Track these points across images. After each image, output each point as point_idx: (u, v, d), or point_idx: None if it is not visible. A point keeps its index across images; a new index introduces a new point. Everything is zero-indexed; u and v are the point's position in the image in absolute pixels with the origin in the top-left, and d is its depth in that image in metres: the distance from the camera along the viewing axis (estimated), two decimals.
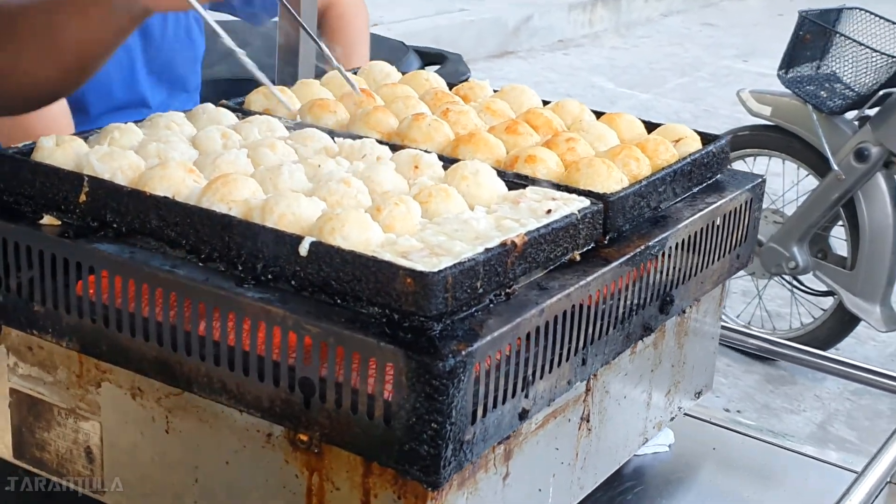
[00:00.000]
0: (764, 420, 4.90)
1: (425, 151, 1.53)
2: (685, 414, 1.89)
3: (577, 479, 1.51)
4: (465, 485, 1.29)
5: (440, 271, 1.20)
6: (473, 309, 1.26)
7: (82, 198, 1.39)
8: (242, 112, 1.72)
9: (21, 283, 1.41)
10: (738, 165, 5.34)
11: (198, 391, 1.32)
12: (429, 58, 3.88)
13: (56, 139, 1.46)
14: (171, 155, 1.44)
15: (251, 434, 1.33)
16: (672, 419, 1.74)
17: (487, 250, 1.27)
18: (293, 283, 1.27)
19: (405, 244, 1.28)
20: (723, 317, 5.20)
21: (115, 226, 1.38)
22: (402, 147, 1.57)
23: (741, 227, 1.70)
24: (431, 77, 1.87)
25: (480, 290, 1.26)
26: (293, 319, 1.23)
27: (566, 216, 1.38)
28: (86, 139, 1.54)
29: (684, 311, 1.66)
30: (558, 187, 1.48)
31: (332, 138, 1.59)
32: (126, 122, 1.55)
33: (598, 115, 1.79)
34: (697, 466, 1.81)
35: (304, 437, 1.28)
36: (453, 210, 1.39)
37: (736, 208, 1.67)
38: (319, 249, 1.25)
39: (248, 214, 1.33)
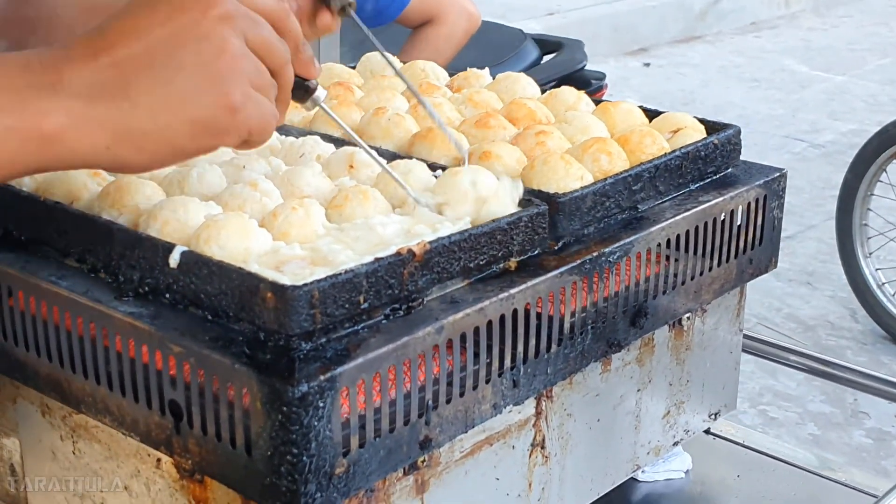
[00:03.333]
0: None
1: (375, 148, 1.39)
2: (710, 434, 1.70)
3: None
4: None
5: (304, 285, 1.07)
6: (359, 326, 1.12)
7: None
8: None
9: None
10: None
11: (86, 411, 1.23)
12: (547, 46, 3.71)
13: None
14: None
15: (143, 458, 1.23)
16: (676, 443, 1.55)
17: (377, 260, 1.13)
18: (168, 296, 1.17)
19: (287, 253, 1.15)
20: None
21: (14, 233, 1.30)
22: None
23: (751, 228, 1.50)
24: (428, 67, 1.73)
25: (366, 305, 1.12)
26: (158, 337, 1.12)
27: (491, 221, 1.23)
28: None
29: (680, 323, 1.48)
30: None
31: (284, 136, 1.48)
32: None
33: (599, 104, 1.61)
34: (716, 496, 1.61)
35: (186, 465, 1.18)
36: (371, 213, 1.25)
37: (743, 206, 1.48)
38: (189, 260, 1.14)
39: (137, 222, 1.23)
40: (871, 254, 5.01)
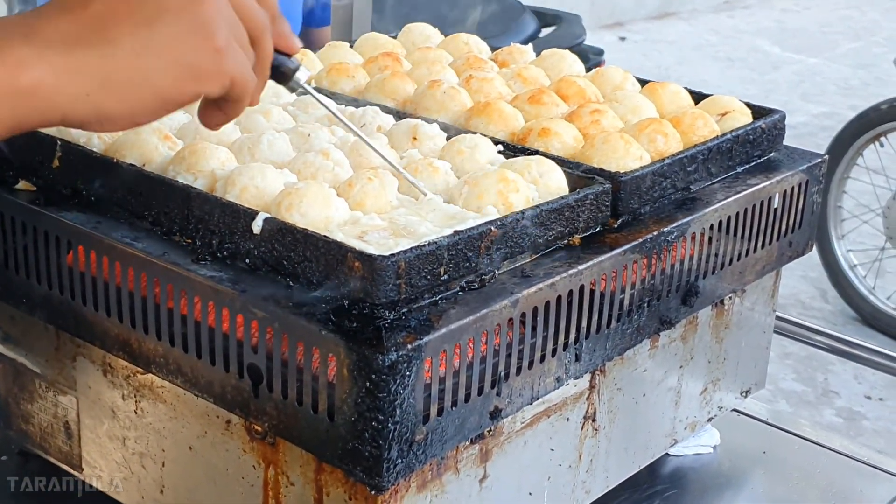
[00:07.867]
0: None
1: (427, 121, 1.41)
2: (738, 412, 1.74)
3: (582, 482, 1.39)
4: (428, 487, 1.18)
5: (391, 255, 1.09)
6: (438, 297, 1.15)
7: (55, 163, 1.33)
8: None
9: None
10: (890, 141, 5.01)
11: (156, 372, 1.24)
12: (545, 19, 3.73)
13: None
14: None
15: (212, 420, 1.25)
16: (710, 419, 1.59)
17: (456, 233, 1.15)
18: (248, 261, 1.18)
19: (368, 223, 1.17)
20: None
21: (84, 193, 1.31)
22: (413, 116, 1.47)
23: (793, 212, 1.53)
24: (471, 41, 1.75)
25: (445, 277, 1.14)
26: (241, 301, 1.14)
27: (561, 197, 1.26)
28: None
29: (722, 303, 1.51)
30: (569, 164, 1.35)
31: (344, 106, 1.50)
32: None
33: (646, 84, 1.64)
34: (743, 471, 1.65)
35: (258, 428, 1.20)
36: (440, 187, 1.28)
37: (786, 190, 1.51)
38: (273, 226, 1.16)
39: (213, 186, 1.24)
40: (844, 236, 5.09)
